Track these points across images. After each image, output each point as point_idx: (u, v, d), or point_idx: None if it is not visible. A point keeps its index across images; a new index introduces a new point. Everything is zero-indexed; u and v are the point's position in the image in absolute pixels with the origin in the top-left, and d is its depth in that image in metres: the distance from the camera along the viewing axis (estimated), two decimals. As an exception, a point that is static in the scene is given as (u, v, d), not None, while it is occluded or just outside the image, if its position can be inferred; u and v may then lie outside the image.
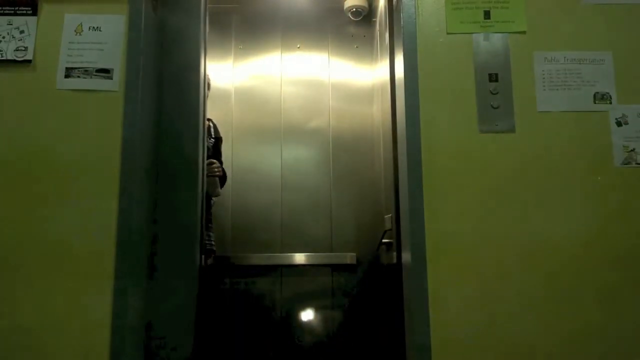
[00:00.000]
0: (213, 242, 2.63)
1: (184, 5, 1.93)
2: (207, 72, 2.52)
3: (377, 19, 2.69)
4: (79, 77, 1.62)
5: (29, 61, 1.63)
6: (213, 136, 2.77)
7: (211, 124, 2.77)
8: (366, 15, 3.09)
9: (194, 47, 1.92)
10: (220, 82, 3.10)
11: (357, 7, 3.03)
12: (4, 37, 1.64)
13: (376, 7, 2.80)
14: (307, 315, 2.91)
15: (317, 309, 2.91)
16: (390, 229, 2.06)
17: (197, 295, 1.79)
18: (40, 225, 1.55)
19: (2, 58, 1.63)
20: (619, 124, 1.60)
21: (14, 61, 1.63)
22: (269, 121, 3.06)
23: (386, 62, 2.13)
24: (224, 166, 2.78)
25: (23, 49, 1.64)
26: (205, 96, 1.98)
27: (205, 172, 2.02)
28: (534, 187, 1.56)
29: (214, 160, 2.57)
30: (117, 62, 1.63)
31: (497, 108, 1.60)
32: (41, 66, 1.63)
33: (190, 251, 1.80)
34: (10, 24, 1.66)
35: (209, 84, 2.72)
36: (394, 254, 1.92)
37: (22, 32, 1.65)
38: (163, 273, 1.73)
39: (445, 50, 1.64)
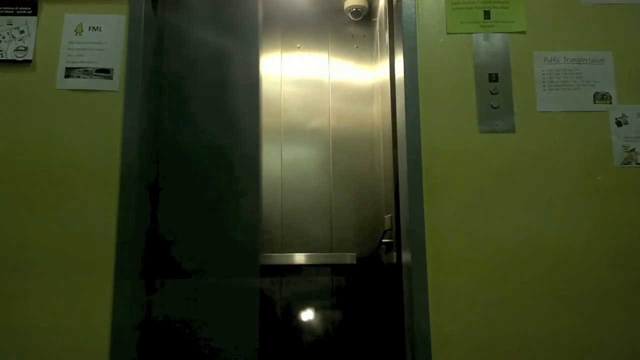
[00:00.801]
0: None
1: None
2: None
3: (377, 19, 2.69)
4: (79, 77, 1.62)
5: (29, 61, 1.63)
6: None
7: None
8: (366, 15, 3.09)
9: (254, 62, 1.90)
10: (220, 82, 3.10)
11: (357, 7, 3.02)
12: (4, 37, 1.64)
13: (376, 7, 2.80)
14: (307, 315, 2.90)
15: (317, 309, 2.91)
16: (390, 229, 2.06)
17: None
18: (39, 225, 1.55)
19: (2, 58, 1.63)
20: (619, 124, 1.60)
21: (14, 61, 1.63)
22: (269, 121, 3.06)
23: (386, 62, 2.13)
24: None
25: (23, 49, 1.64)
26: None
27: None
28: (533, 187, 1.56)
29: None
30: (117, 62, 1.63)
31: (497, 108, 1.60)
32: (41, 66, 1.63)
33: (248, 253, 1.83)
34: (10, 24, 1.66)
35: None
36: (394, 254, 1.92)
37: (22, 32, 1.65)
38: (205, 275, 1.76)
39: (445, 50, 1.64)
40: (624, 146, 1.59)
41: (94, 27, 1.66)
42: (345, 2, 3.05)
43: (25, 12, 1.66)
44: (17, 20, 1.66)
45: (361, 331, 2.85)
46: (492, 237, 1.54)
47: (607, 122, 1.60)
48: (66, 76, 1.63)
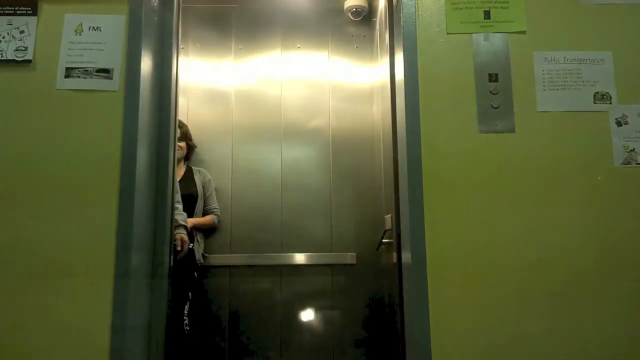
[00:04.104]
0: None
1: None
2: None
3: (377, 19, 2.69)
4: (79, 77, 1.62)
5: (29, 61, 1.63)
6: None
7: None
8: (366, 15, 3.09)
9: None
10: (220, 82, 3.11)
11: (357, 7, 3.03)
12: (4, 37, 1.64)
13: (376, 7, 2.81)
14: (307, 315, 2.90)
15: (317, 309, 2.91)
16: (390, 229, 2.06)
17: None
18: (39, 225, 1.54)
19: (2, 58, 1.63)
20: (619, 124, 1.60)
21: (14, 61, 1.63)
22: (269, 121, 3.06)
23: (386, 62, 2.13)
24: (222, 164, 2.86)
25: (23, 49, 1.64)
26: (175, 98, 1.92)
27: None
28: (533, 187, 1.56)
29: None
30: (117, 62, 1.63)
31: (497, 108, 1.60)
32: (41, 66, 1.63)
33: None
34: (10, 24, 1.66)
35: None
36: (394, 254, 1.92)
37: (22, 32, 1.65)
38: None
39: (445, 50, 1.64)
40: (624, 146, 1.59)
41: (94, 27, 1.65)
42: (345, 2, 3.06)
43: (25, 12, 1.66)
44: (17, 20, 1.66)
45: (361, 331, 2.85)
46: (492, 237, 1.54)
47: (607, 122, 1.60)
48: (66, 76, 1.62)
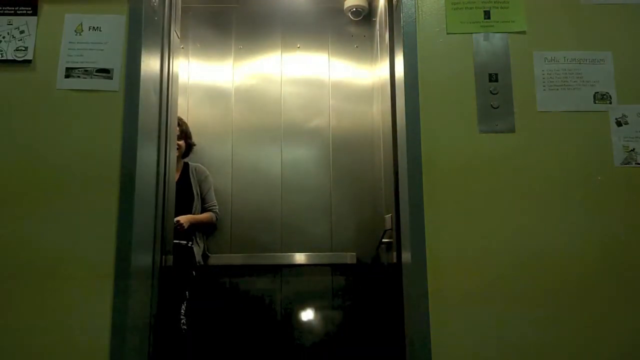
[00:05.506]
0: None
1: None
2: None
3: (377, 19, 2.69)
4: (79, 77, 1.62)
5: (29, 61, 1.63)
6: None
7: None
8: (366, 15, 3.09)
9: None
10: (220, 82, 3.11)
11: (357, 7, 3.03)
12: (4, 37, 1.64)
13: (376, 7, 2.80)
14: (307, 315, 2.91)
15: (317, 309, 2.91)
16: (390, 229, 2.06)
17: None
18: (39, 225, 1.54)
19: (2, 58, 1.63)
20: (619, 124, 1.60)
21: (14, 61, 1.63)
22: (269, 121, 3.06)
23: (386, 62, 2.13)
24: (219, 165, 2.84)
25: (23, 49, 1.64)
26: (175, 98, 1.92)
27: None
28: (533, 187, 1.56)
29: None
30: (117, 62, 1.63)
31: (497, 108, 1.60)
32: (41, 66, 1.63)
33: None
34: (10, 24, 1.66)
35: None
36: (394, 253, 1.92)
37: (22, 32, 1.65)
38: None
39: (445, 50, 1.64)
40: (624, 146, 1.59)
41: (94, 27, 1.65)
42: (345, 2, 3.06)
43: (25, 12, 1.66)
44: (17, 20, 1.66)
45: (361, 331, 2.85)
46: (492, 236, 1.54)
47: (607, 122, 1.60)
48: (66, 76, 1.62)
